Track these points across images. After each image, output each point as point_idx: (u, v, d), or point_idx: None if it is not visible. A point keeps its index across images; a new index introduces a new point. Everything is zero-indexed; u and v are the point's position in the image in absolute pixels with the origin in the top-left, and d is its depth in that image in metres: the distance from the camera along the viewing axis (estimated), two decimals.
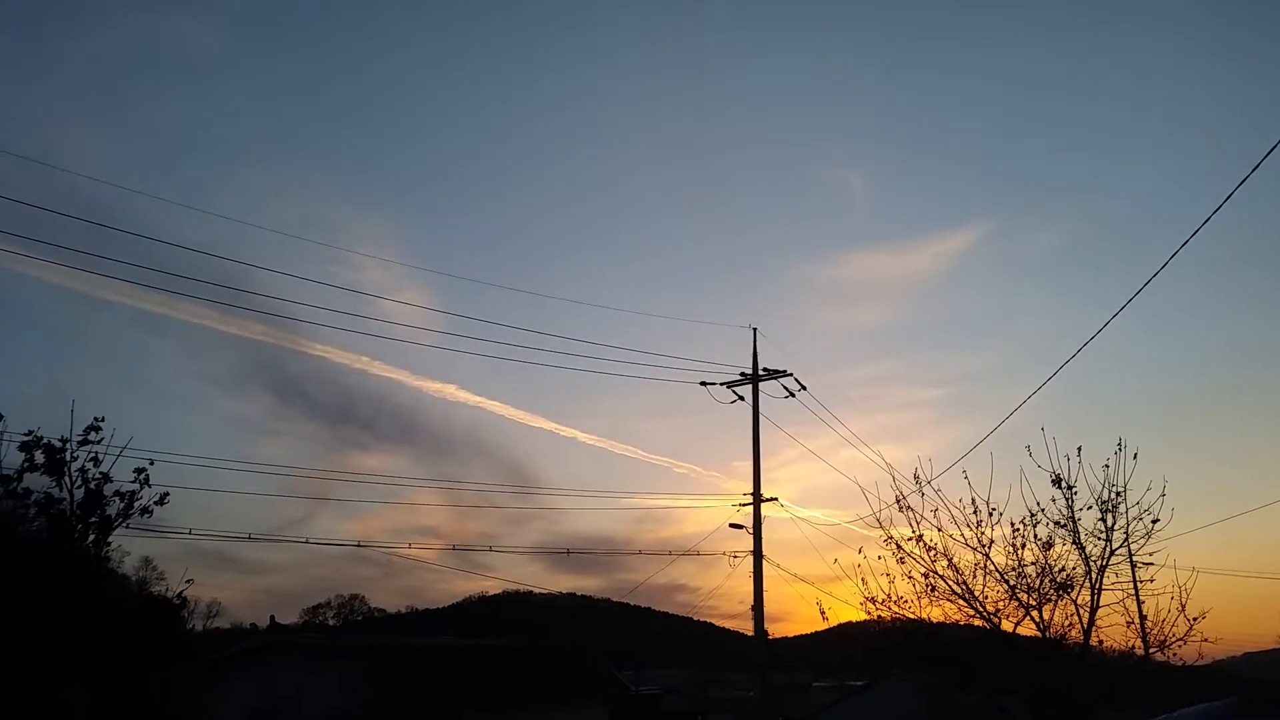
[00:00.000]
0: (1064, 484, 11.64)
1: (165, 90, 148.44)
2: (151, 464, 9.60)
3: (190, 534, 23.98)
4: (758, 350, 26.25)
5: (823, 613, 14.34)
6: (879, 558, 13.01)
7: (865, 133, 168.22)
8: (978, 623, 12.87)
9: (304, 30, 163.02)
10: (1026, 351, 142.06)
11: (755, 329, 26.36)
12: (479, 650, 31.52)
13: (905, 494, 12.79)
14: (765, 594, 24.58)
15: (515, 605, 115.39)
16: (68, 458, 9.19)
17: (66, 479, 9.13)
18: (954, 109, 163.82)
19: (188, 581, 11.97)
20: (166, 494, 9.72)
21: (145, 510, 9.59)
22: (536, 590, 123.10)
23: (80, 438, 9.33)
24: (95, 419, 9.35)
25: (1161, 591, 11.55)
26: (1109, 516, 11.45)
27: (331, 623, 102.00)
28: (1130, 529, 11.40)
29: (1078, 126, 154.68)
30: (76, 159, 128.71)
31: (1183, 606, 11.45)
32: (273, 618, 29.88)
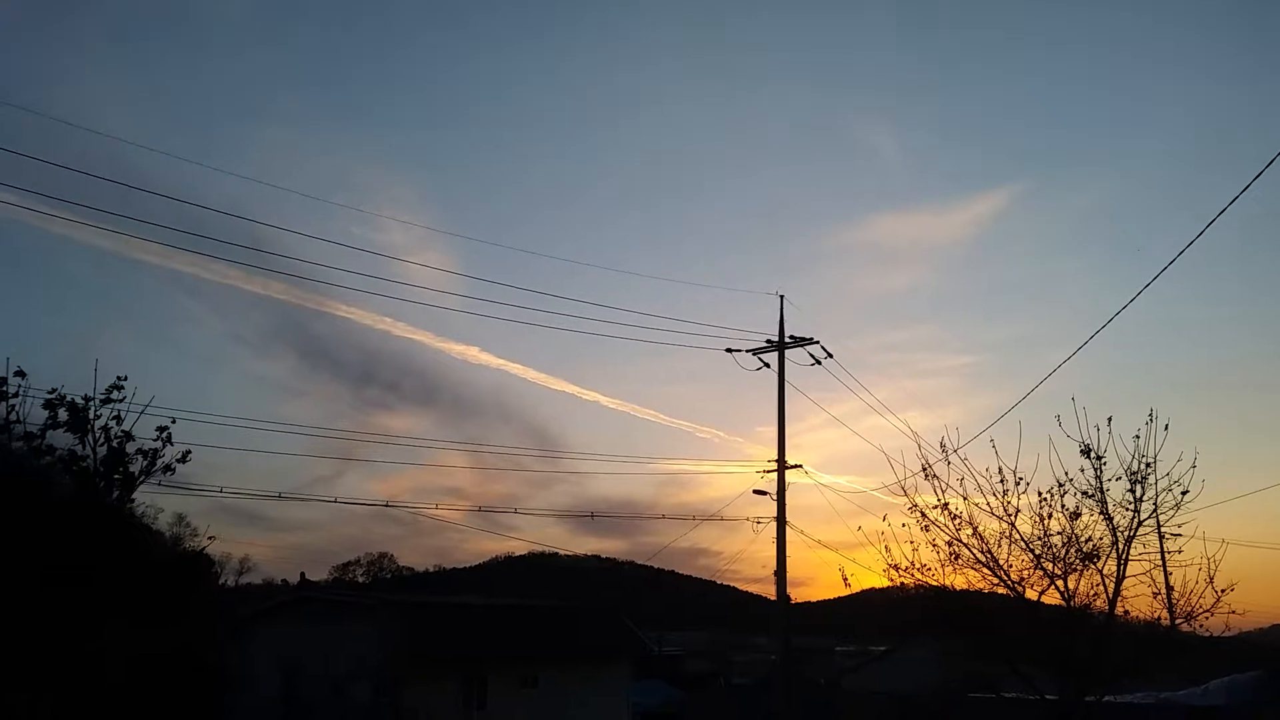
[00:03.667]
0: (1093, 454, 11.52)
1: (191, 49, 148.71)
2: (174, 422, 9.67)
3: (221, 492, 24.49)
4: (784, 317, 26.16)
5: (845, 578, 14.37)
6: (903, 525, 12.99)
7: (897, 91, 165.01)
8: (1001, 591, 12.83)
9: None
10: (1061, 317, 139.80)
11: (782, 296, 26.27)
12: (504, 609, 31.99)
13: (931, 462, 12.73)
14: (788, 559, 24.72)
15: (540, 566, 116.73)
16: (91, 415, 9.31)
17: (90, 437, 9.28)
18: (988, 64, 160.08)
19: (209, 538, 12.23)
20: (189, 451, 9.81)
21: (168, 468, 9.68)
22: (561, 552, 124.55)
23: (103, 396, 9.41)
24: (118, 378, 9.47)
25: (1190, 563, 11.47)
26: (1138, 488, 11.33)
27: (361, 580, 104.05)
28: (1159, 500, 11.30)
29: (1117, 81, 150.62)
30: (104, 119, 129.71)
31: (1211, 578, 11.37)
32: (303, 574, 30.51)
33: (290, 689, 27.05)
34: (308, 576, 36.94)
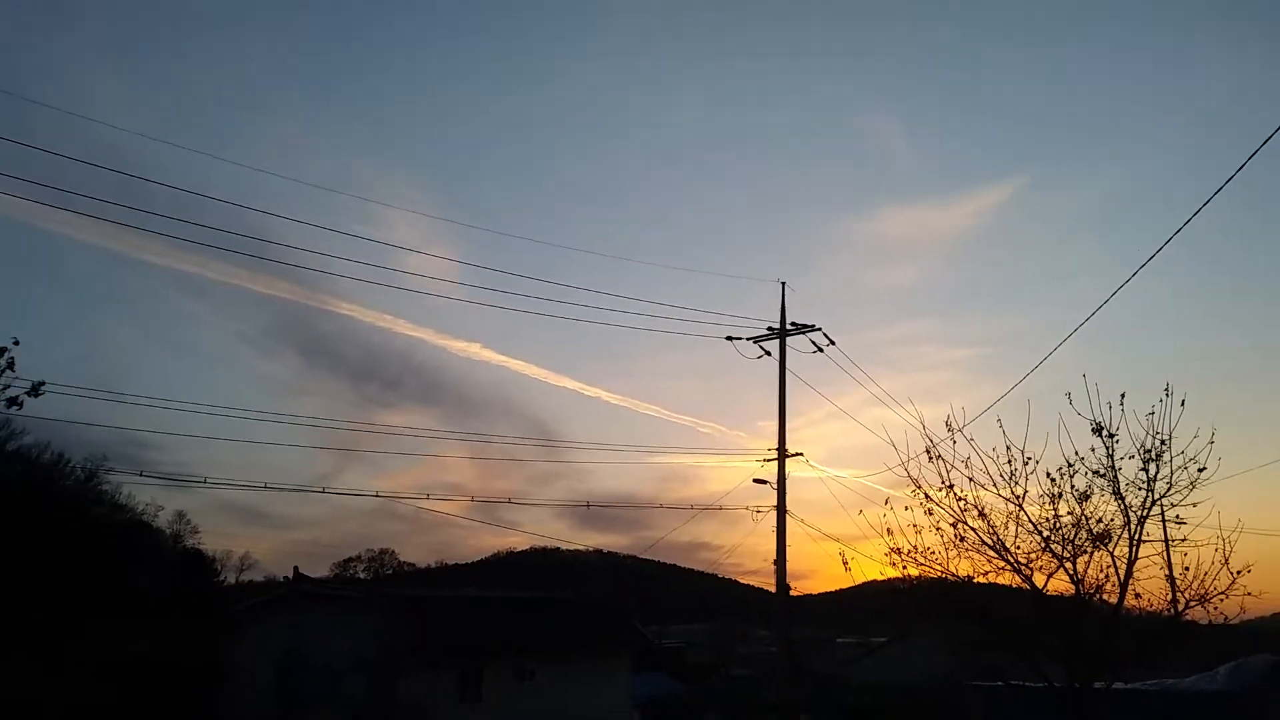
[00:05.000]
0: (1105, 432, 11.12)
1: (193, 44, 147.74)
2: (17, 343, 8.40)
3: (205, 483, 24.37)
4: (786, 305, 25.77)
5: (845, 563, 13.94)
6: (906, 508, 12.62)
7: (904, 83, 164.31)
8: (1006, 578, 12.46)
9: None
10: (1068, 310, 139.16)
11: (784, 283, 25.92)
12: (500, 602, 31.64)
13: (935, 442, 12.34)
14: (789, 551, 24.37)
15: (543, 561, 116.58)
16: None
17: None
18: (995, 56, 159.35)
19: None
20: (42, 384, 8.62)
21: (14, 401, 8.49)
22: (564, 546, 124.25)
23: None
24: None
25: (1205, 542, 11.05)
26: (1152, 465, 10.94)
27: (362, 576, 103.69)
28: (1174, 478, 10.90)
29: (1122, 73, 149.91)
30: (108, 113, 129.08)
31: (1226, 559, 10.96)
32: (296, 568, 30.07)
33: (285, 682, 26.73)
34: (309, 573, 36.52)
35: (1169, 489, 10.99)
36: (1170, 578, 12.01)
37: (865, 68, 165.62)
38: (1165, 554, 12.20)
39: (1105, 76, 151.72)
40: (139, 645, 29.27)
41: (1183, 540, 11.64)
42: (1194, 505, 11.01)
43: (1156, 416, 10.88)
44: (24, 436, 47.14)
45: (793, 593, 27.79)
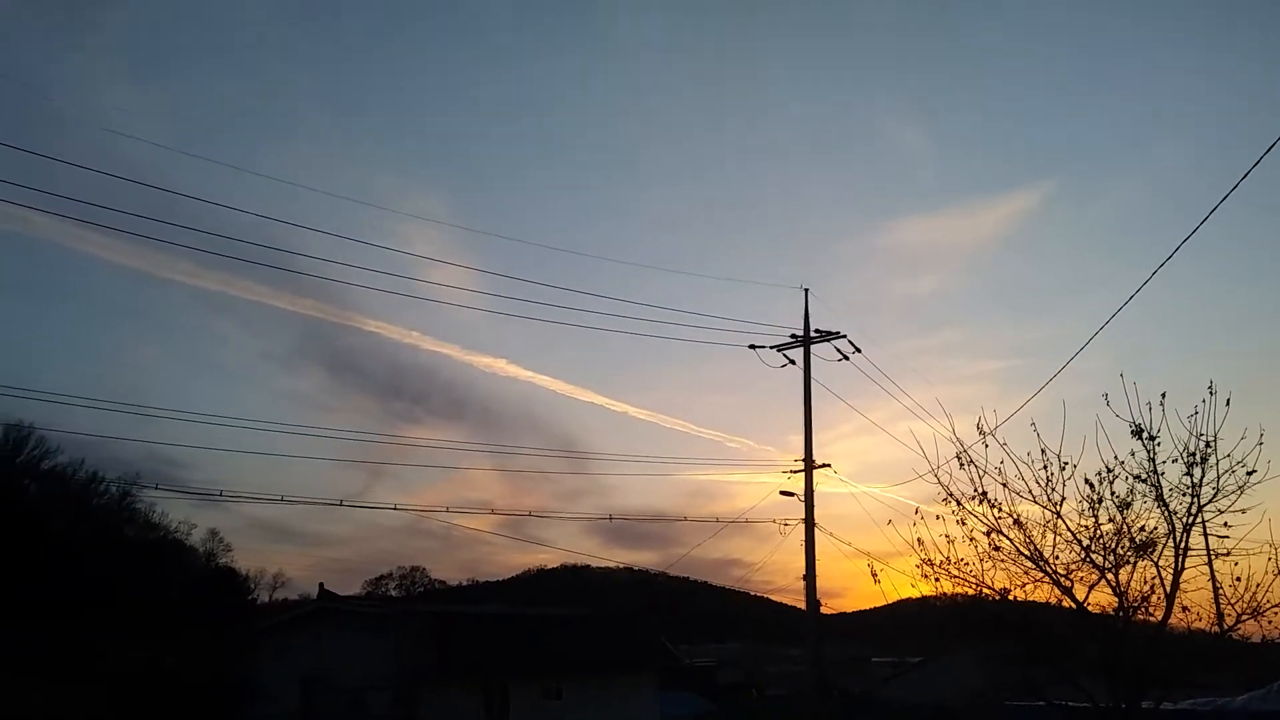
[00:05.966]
0: (1145, 434, 10.54)
1: (215, 62, 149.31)
2: None
3: (222, 496, 24.23)
4: (809, 312, 25.35)
5: (874, 574, 13.40)
6: (938, 518, 12.10)
7: (927, 90, 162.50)
8: (1045, 591, 11.89)
9: None
10: (1100, 317, 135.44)
11: (807, 290, 25.55)
12: (527, 619, 31.27)
13: (967, 447, 11.83)
14: (820, 568, 23.89)
15: (572, 579, 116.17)
16: None
17: None
18: (1020, 61, 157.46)
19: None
20: None
21: None
22: (594, 564, 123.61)
23: None
24: None
25: (1256, 551, 10.41)
26: (1196, 469, 10.33)
27: (394, 593, 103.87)
28: (1221, 482, 10.27)
29: (1147, 79, 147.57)
30: (134, 128, 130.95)
31: (1279, 569, 10.31)
32: (321, 585, 29.99)
33: (308, 700, 26.55)
34: (343, 591, 36.51)
35: (1216, 494, 10.37)
36: (1215, 588, 11.38)
37: (890, 75, 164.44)
38: (1209, 564, 11.55)
39: (1130, 80, 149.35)
40: (163, 662, 29.35)
41: (1226, 554, 10.99)
42: (1243, 511, 10.38)
43: (1200, 417, 10.28)
44: (59, 455, 47.79)
45: (824, 610, 27.19)
